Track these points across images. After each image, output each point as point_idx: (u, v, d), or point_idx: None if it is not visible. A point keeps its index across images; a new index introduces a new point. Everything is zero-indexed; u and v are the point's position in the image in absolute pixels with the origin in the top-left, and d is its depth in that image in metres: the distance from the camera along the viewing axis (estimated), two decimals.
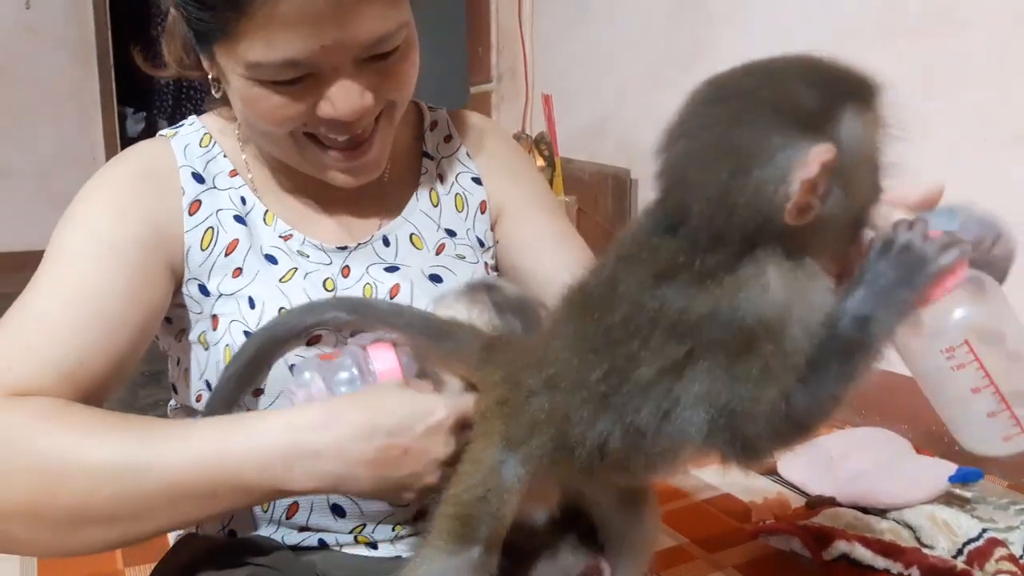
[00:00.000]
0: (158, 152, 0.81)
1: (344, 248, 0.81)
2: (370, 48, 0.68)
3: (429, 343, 0.72)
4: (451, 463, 0.66)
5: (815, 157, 0.49)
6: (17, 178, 3.64)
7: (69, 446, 0.60)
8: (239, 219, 0.79)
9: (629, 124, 2.53)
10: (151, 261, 0.74)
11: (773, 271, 0.51)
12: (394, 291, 0.80)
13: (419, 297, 0.80)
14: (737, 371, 0.51)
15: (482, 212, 0.90)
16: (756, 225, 0.50)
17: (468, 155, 0.92)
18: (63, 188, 3.70)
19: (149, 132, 4.36)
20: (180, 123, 0.86)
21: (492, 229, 0.91)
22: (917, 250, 0.51)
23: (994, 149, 1.60)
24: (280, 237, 0.80)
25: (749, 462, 0.55)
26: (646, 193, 2.47)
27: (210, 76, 0.75)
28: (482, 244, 0.89)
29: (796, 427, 0.53)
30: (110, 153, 3.75)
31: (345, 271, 0.80)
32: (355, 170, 0.77)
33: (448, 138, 0.93)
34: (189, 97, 4.56)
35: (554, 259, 0.87)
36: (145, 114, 4.59)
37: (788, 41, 2.27)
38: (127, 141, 4.01)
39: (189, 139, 0.82)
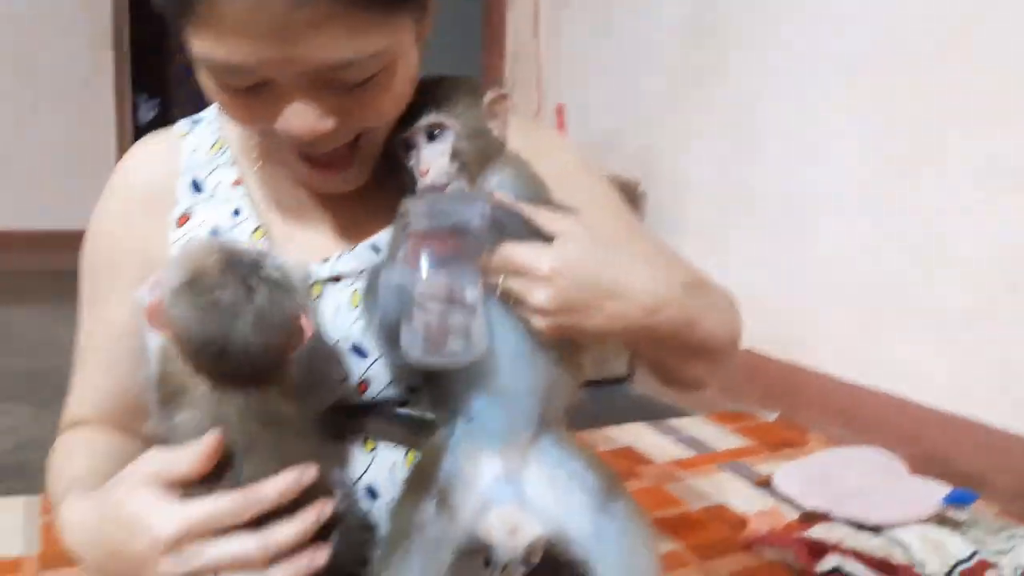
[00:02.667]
0: (163, 157, 0.80)
1: (327, 260, 0.76)
2: (328, 72, 0.62)
3: None
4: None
5: None
6: (31, 163, 3.66)
7: (54, 479, 0.75)
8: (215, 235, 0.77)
9: (641, 136, 2.56)
10: None
11: None
12: None
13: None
14: None
15: None
16: None
17: None
18: (76, 174, 3.71)
19: (162, 119, 4.37)
20: (199, 117, 0.83)
21: None
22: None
23: (1000, 181, 1.63)
24: None
25: None
26: (656, 203, 2.49)
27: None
28: None
29: None
30: (122, 140, 3.77)
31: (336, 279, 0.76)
32: (328, 183, 0.73)
33: None
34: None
35: None
36: (159, 100, 4.61)
37: (803, 64, 2.33)
38: (139, 128, 4.02)
39: (199, 142, 0.81)
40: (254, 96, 0.64)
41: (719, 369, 0.81)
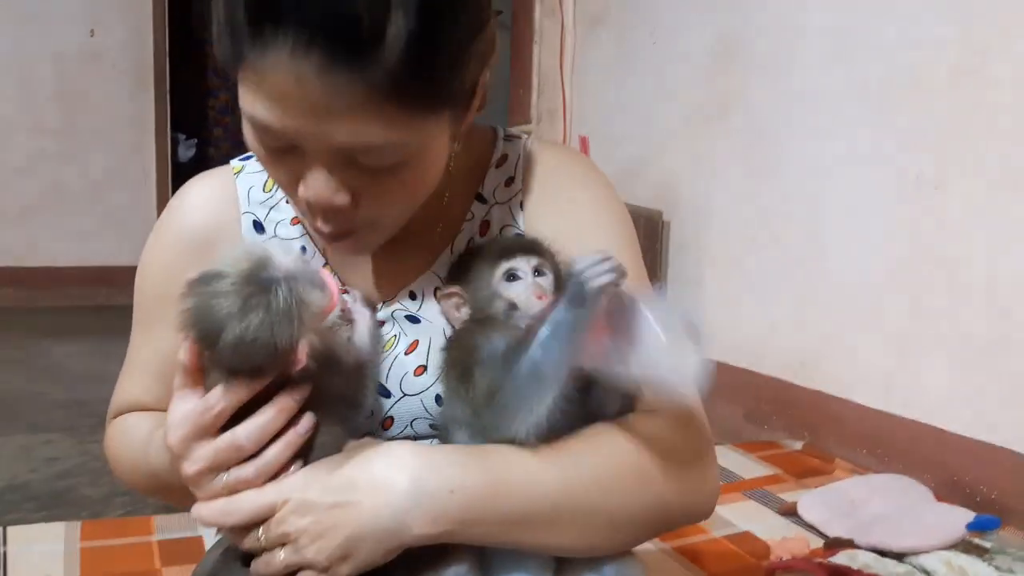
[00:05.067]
0: (220, 198, 0.83)
1: (375, 306, 0.81)
2: (349, 152, 0.64)
3: None
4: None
5: None
6: (72, 197, 3.78)
7: (115, 454, 0.88)
8: None
9: (663, 167, 2.59)
10: None
11: None
12: (411, 347, 0.78)
13: (434, 358, 0.78)
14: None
15: None
16: None
17: (521, 206, 0.83)
18: (115, 208, 3.85)
19: (200, 158, 4.51)
20: (250, 154, 0.85)
21: None
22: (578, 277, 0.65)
23: (1020, 201, 1.63)
24: None
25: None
26: (678, 234, 2.52)
27: None
28: None
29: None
30: (161, 176, 3.89)
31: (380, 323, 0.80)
32: (336, 248, 0.76)
33: (510, 181, 0.83)
34: (239, 130, 4.69)
35: None
36: (196, 141, 4.75)
37: (822, 91, 2.33)
38: (178, 166, 4.15)
39: (254, 180, 0.83)
40: (282, 157, 0.66)
41: (602, 536, 0.74)
